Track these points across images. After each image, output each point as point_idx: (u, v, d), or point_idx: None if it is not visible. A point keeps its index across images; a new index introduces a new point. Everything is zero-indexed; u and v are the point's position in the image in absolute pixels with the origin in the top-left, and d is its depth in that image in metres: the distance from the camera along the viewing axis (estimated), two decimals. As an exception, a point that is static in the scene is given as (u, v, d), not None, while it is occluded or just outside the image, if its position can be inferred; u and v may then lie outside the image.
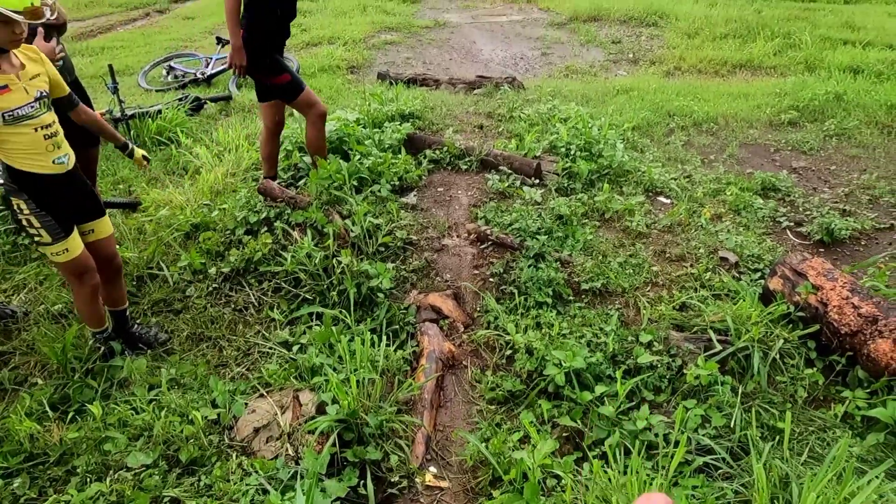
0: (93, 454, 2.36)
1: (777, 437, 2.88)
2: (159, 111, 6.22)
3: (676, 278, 3.93)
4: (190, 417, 2.53)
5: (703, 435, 2.86)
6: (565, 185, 4.97)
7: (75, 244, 2.75)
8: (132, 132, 5.95)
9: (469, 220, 4.36)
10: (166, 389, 2.76)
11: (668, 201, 5.03)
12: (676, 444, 2.85)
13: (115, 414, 2.57)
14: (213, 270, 3.85)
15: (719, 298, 3.76)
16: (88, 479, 2.25)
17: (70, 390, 2.87)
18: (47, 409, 2.65)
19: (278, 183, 4.40)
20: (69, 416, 2.64)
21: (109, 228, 3.02)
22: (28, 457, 2.39)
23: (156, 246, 4.00)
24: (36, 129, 2.55)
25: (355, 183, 4.40)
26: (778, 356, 3.26)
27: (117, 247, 3.93)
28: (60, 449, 2.39)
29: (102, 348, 3.14)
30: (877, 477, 2.33)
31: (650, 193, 5.14)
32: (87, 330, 3.16)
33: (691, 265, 4.04)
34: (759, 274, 4.00)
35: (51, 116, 2.65)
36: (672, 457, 2.55)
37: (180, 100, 6.72)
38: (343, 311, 3.34)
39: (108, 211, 4.56)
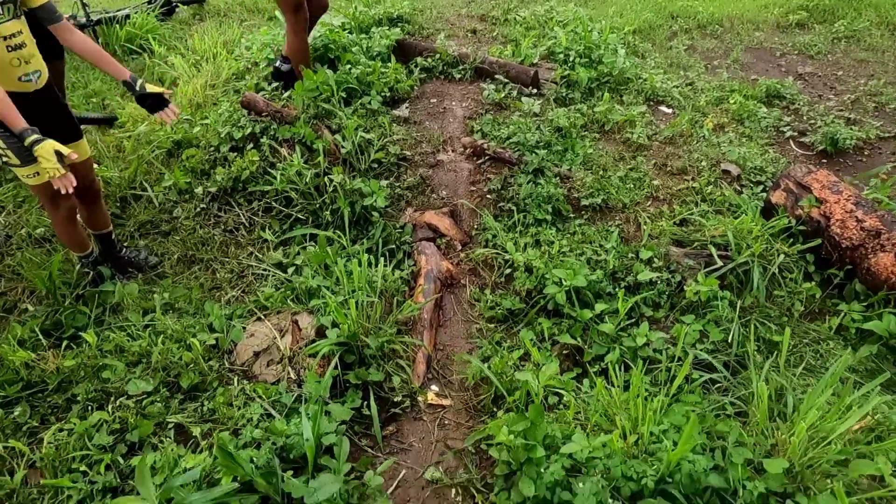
0: (92, 382, 2.33)
1: (774, 351, 2.92)
2: (128, 16, 5.76)
3: (677, 192, 3.84)
4: (188, 343, 2.49)
5: (702, 350, 2.89)
6: (564, 94, 4.74)
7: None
8: (100, 40, 5.54)
9: (464, 133, 4.18)
10: (161, 314, 2.71)
11: (670, 111, 4.84)
12: (675, 359, 2.90)
13: (111, 341, 2.53)
14: (199, 190, 3.70)
15: (720, 213, 3.70)
16: (90, 407, 2.23)
17: (62, 317, 2.80)
18: (40, 336, 2.59)
19: (261, 95, 4.14)
20: (63, 344, 2.59)
21: (87, 152, 2.83)
22: (26, 385, 2.36)
23: (137, 165, 3.82)
24: None
25: (343, 94, 4.15)
26: (777, 270, 3.25)
27: (96, 166, 3.75)
28: (58, 377, 2.36)
29: (91, 273, 3.05)
30: (871, 391, 2.38)
31: (651, 102, 4.94)
32: (73, 254, 3.06)
33: (693, 178, 3.94)
34: (761, 187, 3.93)
35: (17, 25, 2.36)
36: (672, 374, 2.59)
37: (149, 2, 6.22)
38: (338, 231, 3.24)
39: (83, 128, 4.33)
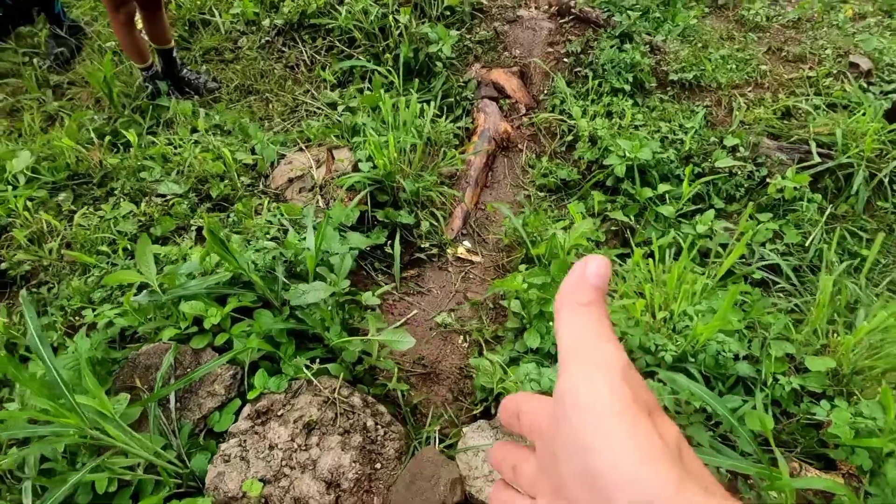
0: (130, 179, 2.38)
1: (858, 263, 2.57)
2: None
3: (787, 81, 3.32)
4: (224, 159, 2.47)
5: (771, 250, 2.58)
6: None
7: None
8: None
9: (553, -10, 3.74)
10: (205, 131, 2.68)
11: (804, -7, 4.12)
12: (739, 257, 2.61)
13: (156, 148, 2.54)
14: (266, 22, 3.57)
15: (834, 109, 3.18)
16: (121, 201, 2.28)
17: (118, 125, 2.85)
18: (93, 136, 2.65)
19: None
20: (116, 147, 2.65)
21: None
22: (73, 175, 2.45)
23: (208, -11, 3.71)
24: None
25: (426, -67, 3.78)
26: (886, 179, 2.79)
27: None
28: (102, 171, 2.43)
29: (150, 87, 3.07)
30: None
31: (785, -18, 4.22)
32: (135, 67, 3.07)
33: (810, 67, 3.38)
34: (892, 86, 3.31)
35: None
36: (730, 270, 2.32)
37: None
38: (391, 70, 3.05)
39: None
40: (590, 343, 0.35)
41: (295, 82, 3.37)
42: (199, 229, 2.18)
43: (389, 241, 2.34)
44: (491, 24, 3.51)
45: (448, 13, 3.51)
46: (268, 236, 2.02)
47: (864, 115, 2.99)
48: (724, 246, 2.64)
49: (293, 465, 1.31)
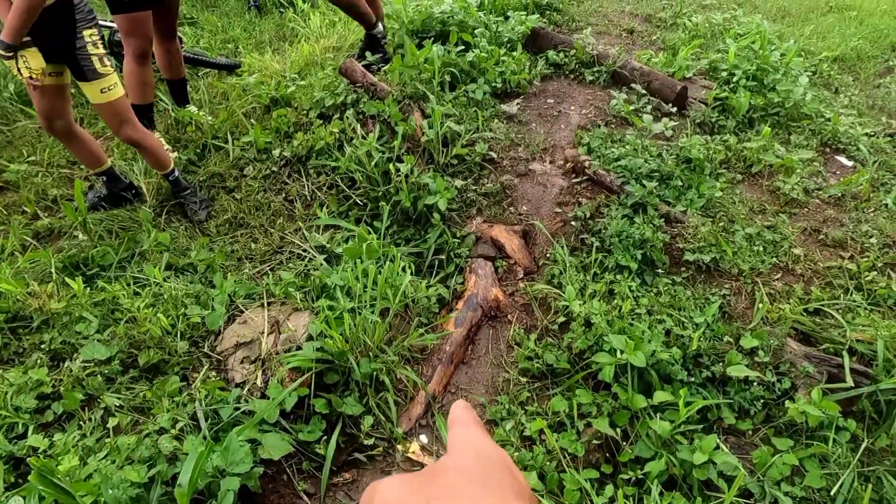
0: (63, 332, 2.21)
1: (898, 526, 2.08)
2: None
3: (823, 270, 2.95)
4: (169, 322, 2.26)
5: (786, 494, 2.12)
6: (713, 119, 3.93)
7: (31, 66, 2.52)
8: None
9: (571, 144, 3.58)
10: (162, 280, 2.50)
11: (850, 164, 3.81)
12: (748, 495, 2.17)
13: (106, 293, 2.39)
14: (276, 153, 3.52)
15: (878, 309, 2.77)
16: (41, 360, 2.10)
17: (92, 252, 2.76)
18: (53, 271, 2.54)
19: (363, 65, 3.87)
20: (50, 288, 2.50)
21: (60, 93, 2.74)
22: (13, 317, 2.30)
23: (226, 116, 3.74)
24: None
25: (448, 78, 3.75)
26: (939, 413, 2.33)
27: (194, 109, 3.78)
28: (42, 317, 2.27)
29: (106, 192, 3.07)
30: None
31: (827, 150, 3.94)
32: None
33: (851, 257, 3.01)
34: (951, 289, 2.89)
35: None
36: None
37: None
38: (369, 225, 2.88)
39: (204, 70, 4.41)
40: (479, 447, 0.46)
41: (289, 219, 3.25)
42: (107, 409, 1.95)
43: (326, 437, 2.04)
44: (500, 177, 3.34)
45: (456, 161, 3.37)
46: (175, 429, 1.77)
47: (912, 324, 2.57)
48: (728, 479, 2.20)
49: None
